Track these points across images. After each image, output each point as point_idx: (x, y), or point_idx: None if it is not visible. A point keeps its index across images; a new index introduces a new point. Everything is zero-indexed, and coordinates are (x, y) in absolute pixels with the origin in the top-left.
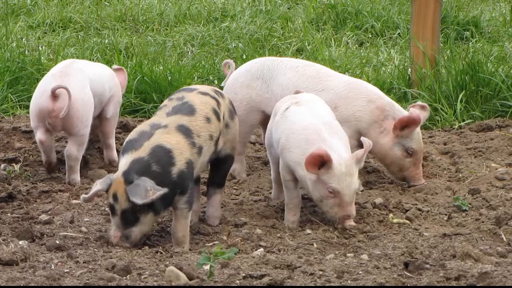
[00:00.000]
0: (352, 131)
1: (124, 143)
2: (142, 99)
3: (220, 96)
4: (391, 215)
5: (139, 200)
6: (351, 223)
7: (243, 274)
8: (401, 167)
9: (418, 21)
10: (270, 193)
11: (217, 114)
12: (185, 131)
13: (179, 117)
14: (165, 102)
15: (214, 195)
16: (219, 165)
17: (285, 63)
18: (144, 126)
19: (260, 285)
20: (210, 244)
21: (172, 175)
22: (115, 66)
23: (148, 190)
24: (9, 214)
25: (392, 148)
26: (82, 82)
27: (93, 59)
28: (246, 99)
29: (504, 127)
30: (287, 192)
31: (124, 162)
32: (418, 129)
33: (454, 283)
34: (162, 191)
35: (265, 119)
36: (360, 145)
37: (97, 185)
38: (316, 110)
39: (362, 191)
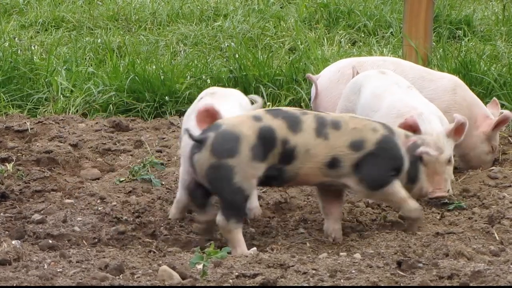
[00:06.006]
0: None
1: None
2: (134, 98)
3: None
4: (383, 213)
5: None
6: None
7: (236, 273)
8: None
9: (410, 19)
10: (264, 192)
11: None
12: None
13: None
14: None
15: None
16: None
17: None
18: None
19: (253, 284)
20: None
21: None
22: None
23: None
24: (1, 214)
25: None
26: None
27: (85, 59)
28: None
29: None
30: None
31: None
32: None
33: (447, 282)
34: None
35: None
36: None
37: None
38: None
39: None
